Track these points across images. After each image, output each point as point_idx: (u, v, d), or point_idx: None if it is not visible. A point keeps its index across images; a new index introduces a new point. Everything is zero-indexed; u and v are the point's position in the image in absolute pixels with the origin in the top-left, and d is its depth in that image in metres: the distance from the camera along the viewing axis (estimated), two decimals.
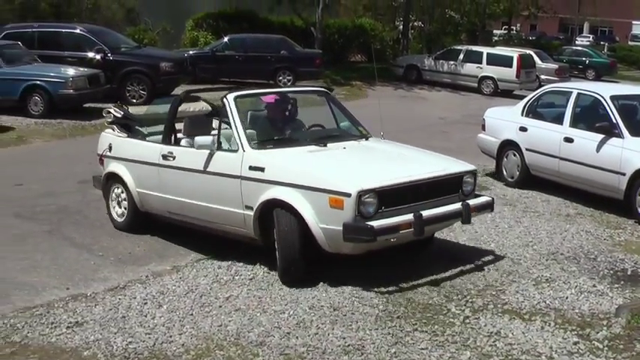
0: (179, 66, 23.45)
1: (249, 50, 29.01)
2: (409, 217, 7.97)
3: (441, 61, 34.12)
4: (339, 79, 32.44)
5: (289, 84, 28.43)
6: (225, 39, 29.59)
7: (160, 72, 22.32)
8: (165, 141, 9.63)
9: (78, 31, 23.31)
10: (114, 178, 10.28)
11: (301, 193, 8.04)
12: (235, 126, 8.78)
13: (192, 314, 7.43)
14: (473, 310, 7.70)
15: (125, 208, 10.18)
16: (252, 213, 8.45)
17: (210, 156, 8.82)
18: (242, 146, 8.60)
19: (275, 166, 8.37)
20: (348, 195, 7.72)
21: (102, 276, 8.59)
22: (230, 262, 8.93)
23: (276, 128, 9.53)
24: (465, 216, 8.56)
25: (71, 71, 20.06)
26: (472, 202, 8.75)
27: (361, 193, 7.75)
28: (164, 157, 9.41)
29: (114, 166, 10.26)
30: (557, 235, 10.49)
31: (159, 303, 7.68)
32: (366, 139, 9.60)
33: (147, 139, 10.26)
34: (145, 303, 7.68)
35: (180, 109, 10.09)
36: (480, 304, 7.86)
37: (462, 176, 8.83)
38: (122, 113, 10.63)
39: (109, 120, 10.75)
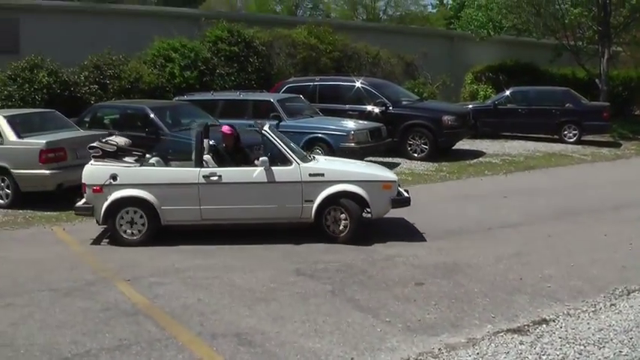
0: (462, 120, 22.62)
1: (533, 103, 27.74)
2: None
3: None
4: (627, 134, 30.49)
5: (574, 139, 26.97)
6: (507, 92, 28.51)
7: (443, 126, 21.61)
8: (199, 165, 12.27)
9: (358, 84, 23.06)
10: (125, 203, 12.16)
11: (359, 185, 12.08)
12: (283, 148, 12.26)
13: None
14: None
15: (143, 225, 12.21)
16: (311, 205, 12.03)
17: (268, 171, 11.98)
18: (295, 161, 12.12)
19: (331, 171, 12.30)
20: (394, 181, 12.45)
21: (389, 345, 7.73)
22: (533, 339, 7.82)
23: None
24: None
25: (353, 124, 19.77)
26: None
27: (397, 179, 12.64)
28: (205, 177, 12.06)
29: (126, 192, 12.14)
30: None
31: None
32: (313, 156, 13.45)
33: (154, 164, 12.68)
34: None
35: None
36: None
37: None
38: (115, 147, 12.42)
39: (97, 155, 12.36)
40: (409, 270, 10.45)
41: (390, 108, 22.05)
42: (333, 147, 18.90)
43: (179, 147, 14.74)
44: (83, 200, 12.53)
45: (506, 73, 34.77)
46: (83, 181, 12.38)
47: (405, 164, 21.08)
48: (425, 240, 12.28)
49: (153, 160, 12.79)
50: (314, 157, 13.08)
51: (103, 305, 9.09)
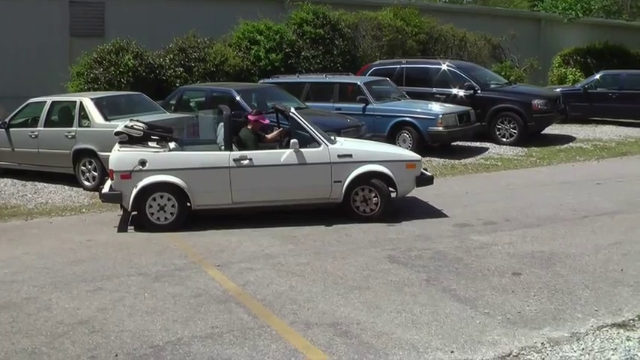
0: (552, 104, 21.99)
1: (624, 87, 26.76)
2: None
3: None
4: None
5: None
6: (597, 75, 27.70)
7: (533, 110, 21.08)
8: (229, 148, 12.24)
9: (444, 67, 22.62)
10: (155, 189, 12.11)
11: (385, 165, 12.43)
12: (311, 130, 12.43)
13: None
14: None
15: (172, 212, 12.18)
16: (340, 185, 12.28)
17: (298, 153, 12.13)
18: (324, 143, 12.33)
19: (359, 151, 12.55)
20: (419, 160, 12.85)
21: (490, 339, 7.39)
22: None
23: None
24: None
25: (441, 108, 19.43)
26: None
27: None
28: (236, 160, 12.12)
29: (156, 178, 12.07)
30: None
31: None
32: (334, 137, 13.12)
33: (185, 149, 12.83)
34: None
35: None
36: None
37: None
38: (142, 131, 12.34)
39: (124, 140, 12.30)
40: (505, 259, 10.10)
41: (479, 91, 21.60)
42: (421, 131, 18.65)
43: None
44: (107, 186, 12.48)
45: (595, 56, 33.84)
46: (110, 167, 12.27)
47: (493, 149, 20.64)
48: (519, 228, 11.87)
49: (171, 145, 12.62)
50: (336, 139, 13.01)
51: (193, 291, 8.98)
